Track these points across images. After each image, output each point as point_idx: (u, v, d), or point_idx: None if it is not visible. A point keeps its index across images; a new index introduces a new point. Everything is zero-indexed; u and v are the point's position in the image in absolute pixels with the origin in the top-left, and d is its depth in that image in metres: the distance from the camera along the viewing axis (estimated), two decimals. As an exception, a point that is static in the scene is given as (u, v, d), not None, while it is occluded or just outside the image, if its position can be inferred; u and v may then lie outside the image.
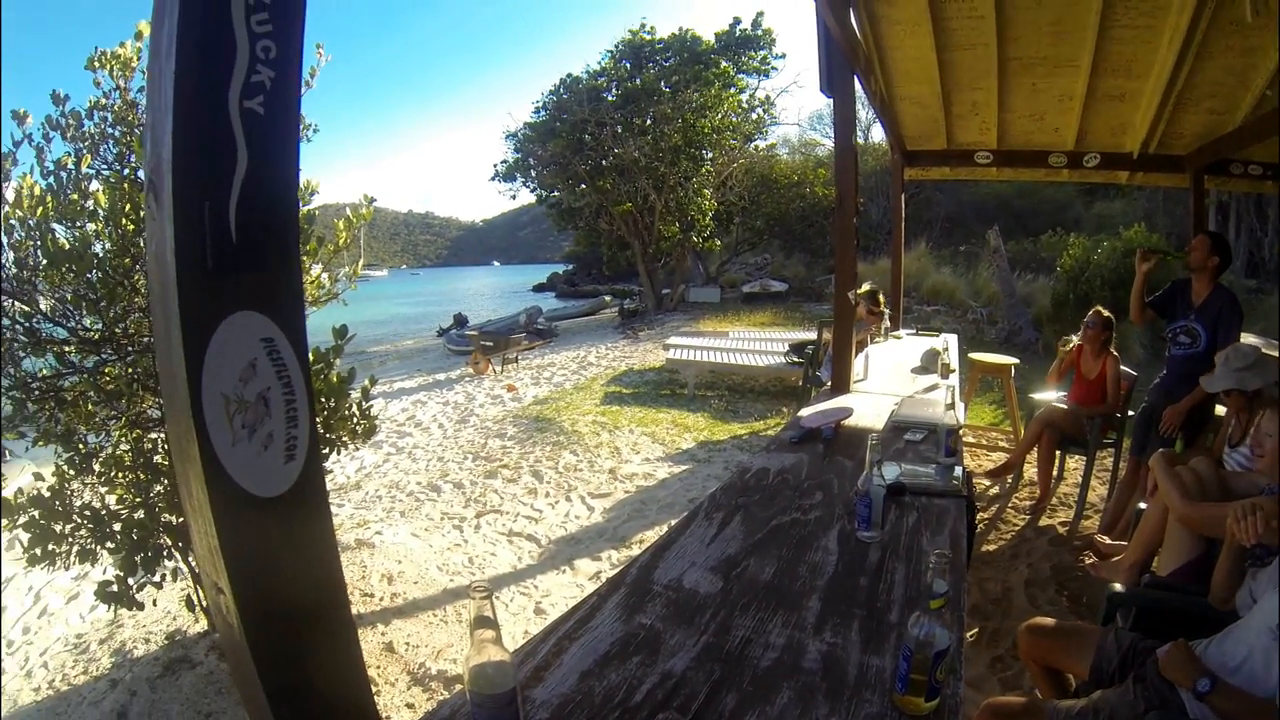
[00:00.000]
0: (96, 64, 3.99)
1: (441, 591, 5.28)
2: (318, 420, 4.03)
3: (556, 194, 27.52)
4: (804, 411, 4.71)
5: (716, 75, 24.87)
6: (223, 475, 1.22)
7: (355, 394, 4.54)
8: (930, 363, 6.19)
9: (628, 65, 26.45)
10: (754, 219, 29.12)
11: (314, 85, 4.38)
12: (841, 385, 5.51)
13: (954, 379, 5.85)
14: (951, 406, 3.71)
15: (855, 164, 5.49)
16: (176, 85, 1.15)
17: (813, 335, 10.10)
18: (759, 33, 26.94)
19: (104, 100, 4.05)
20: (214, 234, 1.19)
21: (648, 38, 26.70)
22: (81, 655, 5.53)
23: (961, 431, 4.50)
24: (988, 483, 6.59)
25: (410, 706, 4.02)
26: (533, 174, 27.42)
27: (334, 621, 1.44)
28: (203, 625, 4.98)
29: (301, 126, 4.46)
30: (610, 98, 25.58)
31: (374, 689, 4.08)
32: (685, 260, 27.79)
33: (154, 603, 5.20)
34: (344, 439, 4.46)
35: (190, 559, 4.36)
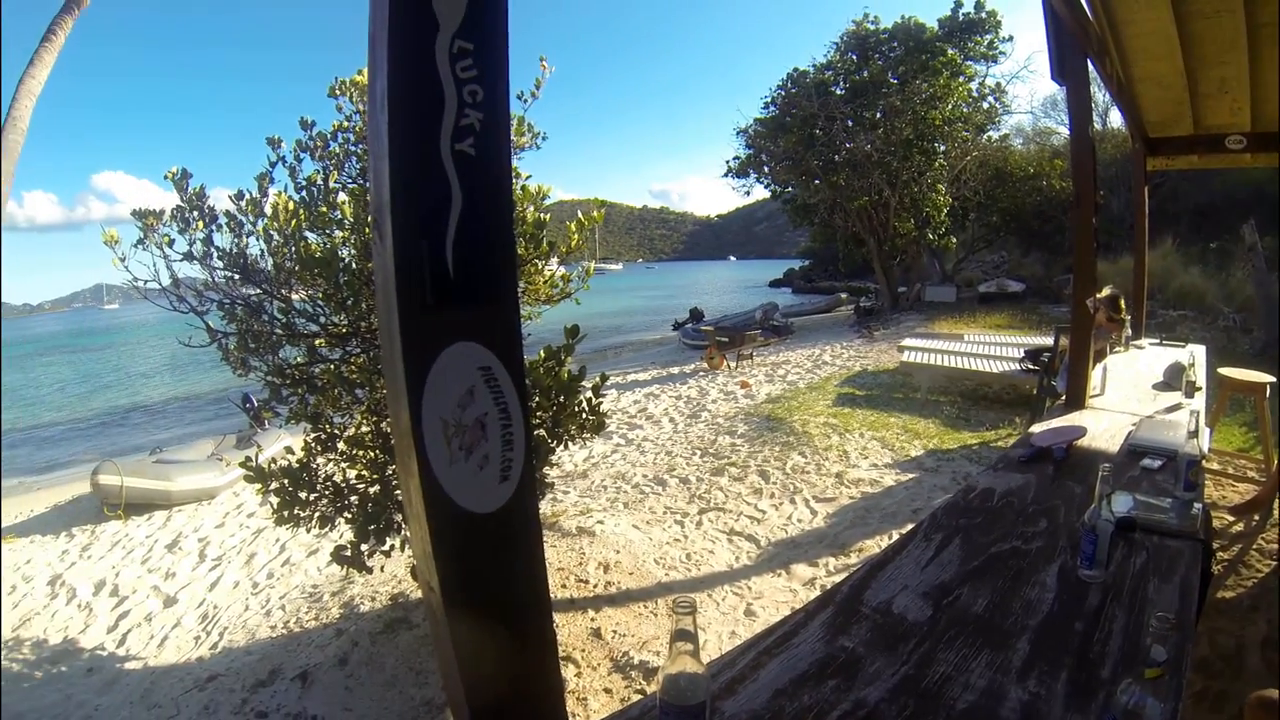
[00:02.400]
0: (337, 91, 4.26)
1: (655, 584, 5.25)
2: (547, 415, 4.13)
3: (791, 189, 26.69)
4: (1035, 428, 4.37)
5: (944, 64, 22.96)
6: (439, 491, 1.26)
7: (587, 389, 4.51)
8: (1174, 379, 5.43)
9: (854, 57, 24.87)
10: (989, 214, 26.43)
11: (539, 95, 4.47)
12: (1076, 400, 5.00)
13: (1200, 399, 5.13)
14: (1195, 434, 3.14)
15: (1093, 158, 5.00)
16: (391, 134, 1.19)
17: (1049, 341, 9.40)
18: (983, 16, 24.44)
19: (345, 123, 4.30)
20: (433, 270, 1.22)
21: (871, 28, 24.91)
22: (315, 603, 5.95)
23: (1206, 460, 3.95)
24: (1231, 519, 5.63)
25: (607, 691, 4.06)
26: (766, 170, 26.58)
27: (535, 632, 1.47)
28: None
29: (531, 135, 4.60)
30: (838, 91, 24.23)
31: (575, 671, 4.18)
32: (920, 258, 26.48)
33: (381, 568, 5.55)
34: (572, 434, 4.50)
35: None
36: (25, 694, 5.88)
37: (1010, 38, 24.96)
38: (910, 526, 3.19)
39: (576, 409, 4.41)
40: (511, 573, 1.39)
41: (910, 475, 7.12)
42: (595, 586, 5.22)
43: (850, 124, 23.33)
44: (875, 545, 5.40)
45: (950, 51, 23.34)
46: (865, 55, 24.65)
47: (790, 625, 2.07)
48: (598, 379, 4.63)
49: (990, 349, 11.64)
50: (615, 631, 4.60)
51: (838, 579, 3.85)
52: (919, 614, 2.13)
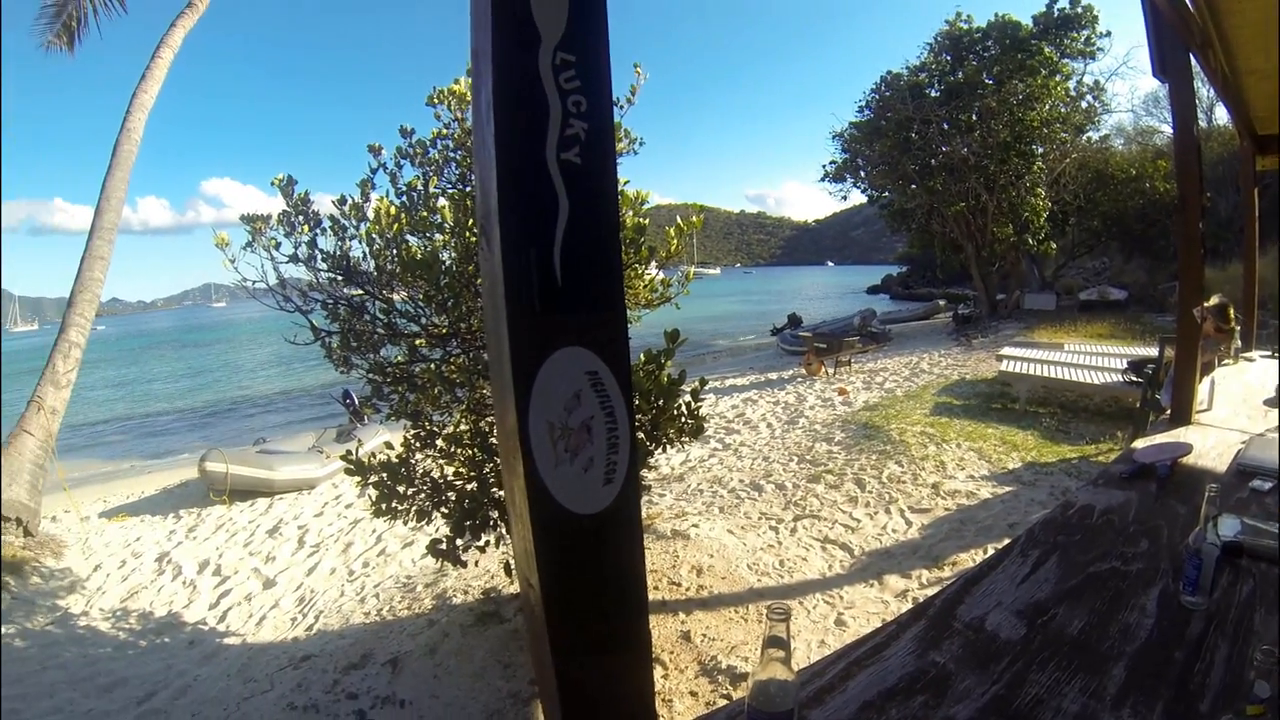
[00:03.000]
0: (435, 100, 4.34)
1: (747, 590, 5.19)
2: (646, 418, 4.13)
3: (887, 194, 26.23)
4: (1138, 443, 4.15)
5: (1040, 62, 22.12)
6: (543, 492, 1.27)
7: (686, 393, 4.47)
8: (1288, 394, 5.04)
9: (948, 58, 24.33)
10: (1090, 219, 25.35)
11: (635, 101, 4.49)
12: (1182, 415, 4.73)
13: None
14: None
15: (1198, 158, 4.70)
16: (498, 144, 1.20)
17: (1153, 352, 9.06)
18: (1079, 10, 23.42)
19: (444, 130, 4.37)
20: (540, 277, 1.23)
21: (965, 27, 24.25)
22: (408, 593, 6.07)
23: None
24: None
25: (693, 694, 4.03)
26: (862, 174, 26.17)
27: (630, 633, 1.47)
28: (516, 588, 5.25)
29: (629, 140, 4.61)
30: (933, 93, 23.75)
31: (663, 672, 4.17)
32: (1020, 264, 25.65)
33: (476, 563, 5.62)
34: (670, 437, 4.47)
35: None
36: (130, 661, 6.16)
37: (1108, 33, 23.98)
38: (1006, 541, 3.09)
39: (675, 413, 4.39)
40: (611, 574, 1.39)
41: (1007, 488, 6.91)
42: (687, 589, 5.20)
43: (946, 127, 22.78)
44: (970, 559, 5.26)
45: (1046, 49, 22.51)
46: (959, 56, 24.05)
47: (881, 637, 2.03)
48: (697, 383, 4.58)
49: (1091, 359, 11.27)
50: (705, 635, 4.57)
51: (930, 592, 3.77)
52: (1012, 632, 2.06)
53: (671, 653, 4.39)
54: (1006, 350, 12.55)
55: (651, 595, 5.18)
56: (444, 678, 4.54)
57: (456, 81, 4.33)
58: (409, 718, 4.27)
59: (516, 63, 1.20)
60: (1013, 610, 2.19)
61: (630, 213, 4.41)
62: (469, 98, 4.26)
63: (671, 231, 4.49)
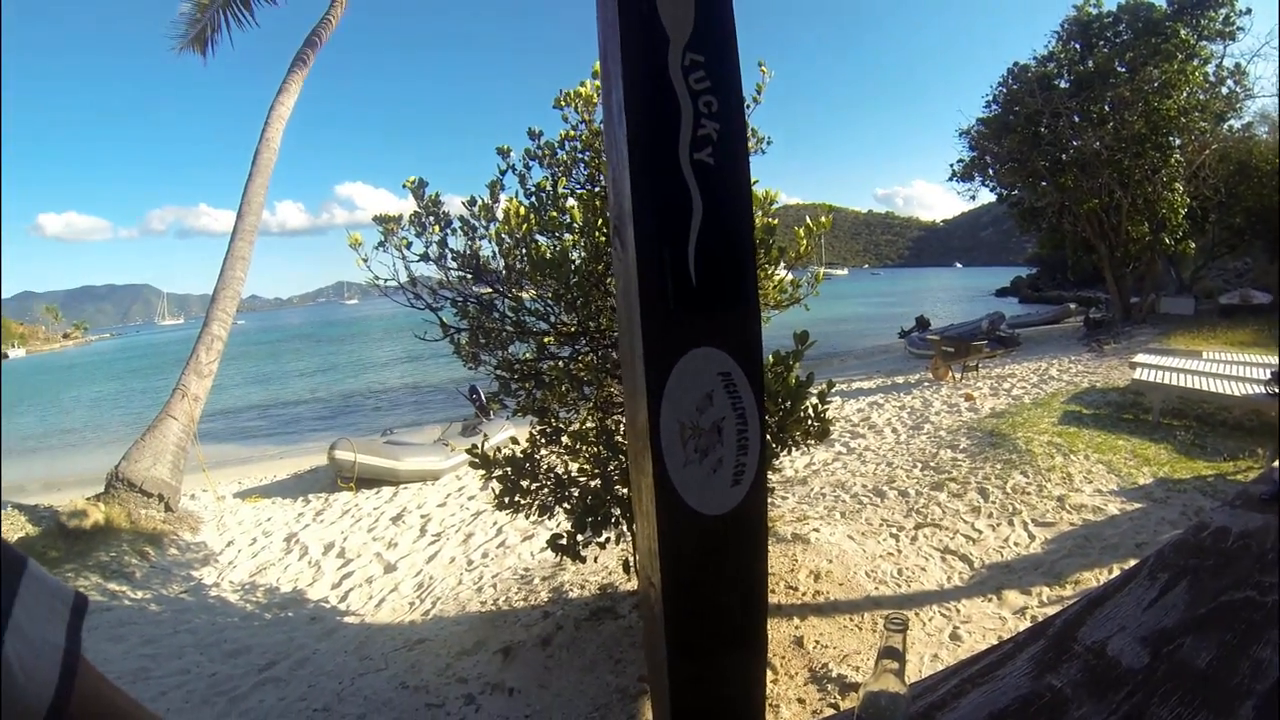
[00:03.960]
0: (563, 102, 4.36)
1: (864, 598, 5.07)
2: (773, 420, 4.08)
3: (1016, 192, 24.88)
4: None
5: (1176, 46, 19.83)
6: (671, 491, 1.25)
7: (813, 395, 4.37)
8: None
9: (1078, 47, 22.37)
10: (1232, 215, 23.02)
11: (762, 100, 4.42)
12: None
13: None
14: None
15: None
16: (630, 146, 1.19)
17: None
18: None
19: (572, 132, 4.40)
20: (674, 277, 1.22)
21: (1094, 12, 22.29)
22: (525, 585, 6.13)
23: None
24: None
25: (800, 701, 3.95)
26: (990, 172, 24.75)
27: (748, 636, 1.43)
28: (633, 585, 5.25)
29: (756, 140, 4.56)
30: (1062, 84, 21.99)
31: (773, 677, 4.10)
32: (1156, 265, 23.68)
33: (595, 559, 5.63)
34: (796, 439, 4.39)
35: (635, 528, 4.61)
36: (254, 631, 6.46)
37: (1248, 10, 21.72)
38: (1134, 562, 2.93)
39: (802, 415, 4.30)
40: (733, 575, 1.37)
41: (1136, 505, 6.49)
42: (804, 594, 5.10)
43: (1077, 119, 21.17)
44: (1094, 578, 4.99)
45: (1183, 31, 20.39)
46: (1089, 43, 22.25)
47: (997, 655, 1.94)
48: (824, 385, 4.47)
49: (1232, 369, 10.41)
50: (818, 642, 4.47)
51: (1050, 611, 3.61)
52: (1135, 660, 1.94)
53: (783, 658, 4.32)
54: (1140, 357, 11.76)
55: (769, 598, 5.08)
56: (554, 669, 4.58)
57: (583, 84, 4.36)
58: (516, 706, 4.32)
59: (646, 64, 1.19)
60: (1136, 636, 2.06)
61: (760, 213, 4.36)
62: (596, 100, 4.28)
63: (801, 232, 4.40)
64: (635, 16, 1.18)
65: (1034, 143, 21.78)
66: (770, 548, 5.87)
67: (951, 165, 25.81)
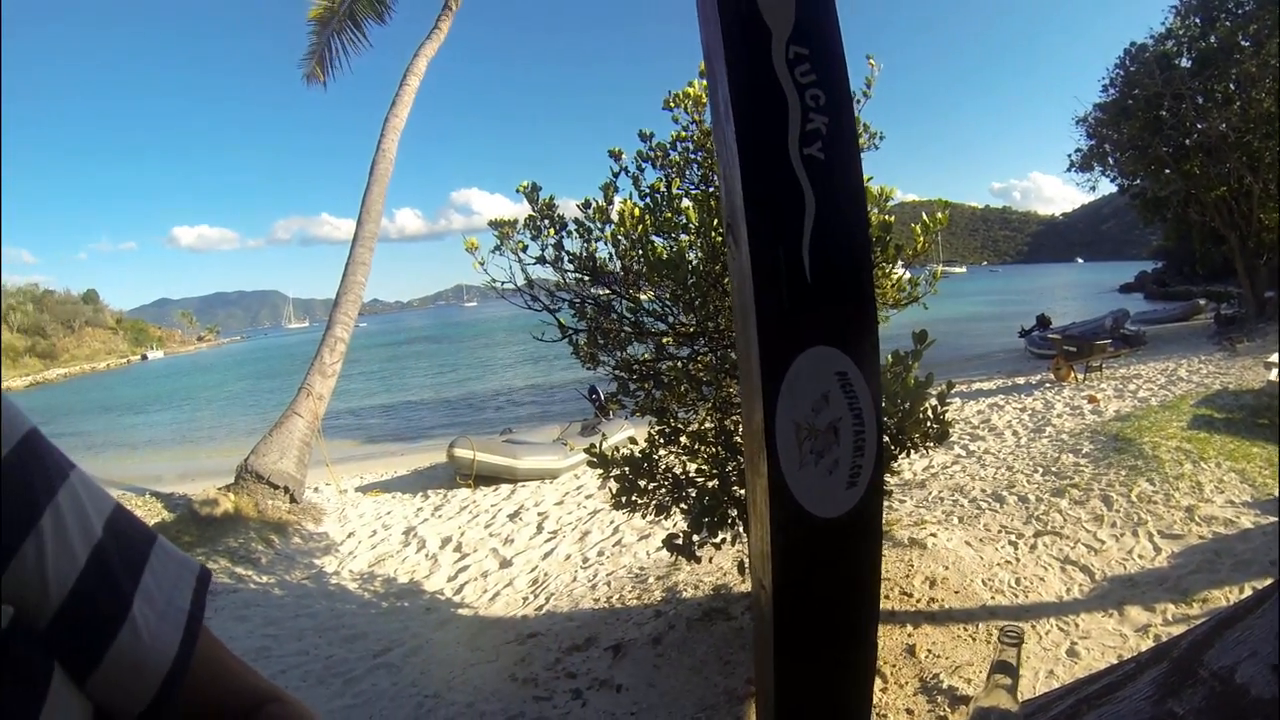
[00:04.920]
0: (672, 103, 4.35)
1: (979, 607, 4.87)
2: (891, 422, 4.00)
3: (1138, 182, 23.02)
4: None
5: None
6: (785, 493, 1.22)
7: (932, 396, 4.24)
8: None
9: (1198, 21, 20.16)
10: None
11: (872, 94, 4.30)
12: None
13: None
14: None
15: None
16: (740, 143, 1.18)
17: None
18: None
19: (683, 133, 4.38)
20: (789, 275, 1.19)
21: None
22: (639, 584, 6.15)
23: None
24: None
25: (909, 712, 3.84)
26: (1110, 161, 23.14)
27: (858, 643, 1.40)
28: (747, 587, 5.21)
29: (869, 135, 4.47)
30: (1183, 63, 20.03)
31: (881, 685, 4.00)
32: None
33: (710, 559, 5.61)
34: (915, 442, 4.26)
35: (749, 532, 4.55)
36: (371, 618, 6.72)
37: None
38: (1269, 581, 2.75)
39: (921, 416, 4.17)
40: (846, 580, 1.33)
41: (1272, 519, 5.97)
42: (918, 601, 4.94)
43: (1200, 101, 19.54)
44: (1223, 597, 4.66)
45: None
46: (1210, 16, 20.01)
47: (1116, 676, 1.83)
48: (943, 386, 4.32)
49: None
50: (930, 651, 4.32)
51: (1176, 630, 3.42)
52: (1265, 689, 1.80)
53: (894, 666, 4.20)
54: (1276, 357, 10.91)
55: (883, 604, 4.93)
56: (663, 668, 4.58)
57: (690, 84, 4.33)
58: (623, 703, 4.33)
59: (750, 60, 1.17)
60: (1268, 663, 1.91)
61: (875, 209, 4.26)
62: (704, 100, 4.26)
63: (917, 229, 4.26)
64: (735, 13, 1.17)
65: (1155, 128, 20.18)
66: (887, 552, 5.73)
67: (1069, 155, 24.37)
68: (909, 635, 4.50)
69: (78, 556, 0.63)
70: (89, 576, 0.63)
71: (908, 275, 4.44)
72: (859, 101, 4.28)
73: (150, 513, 10.20)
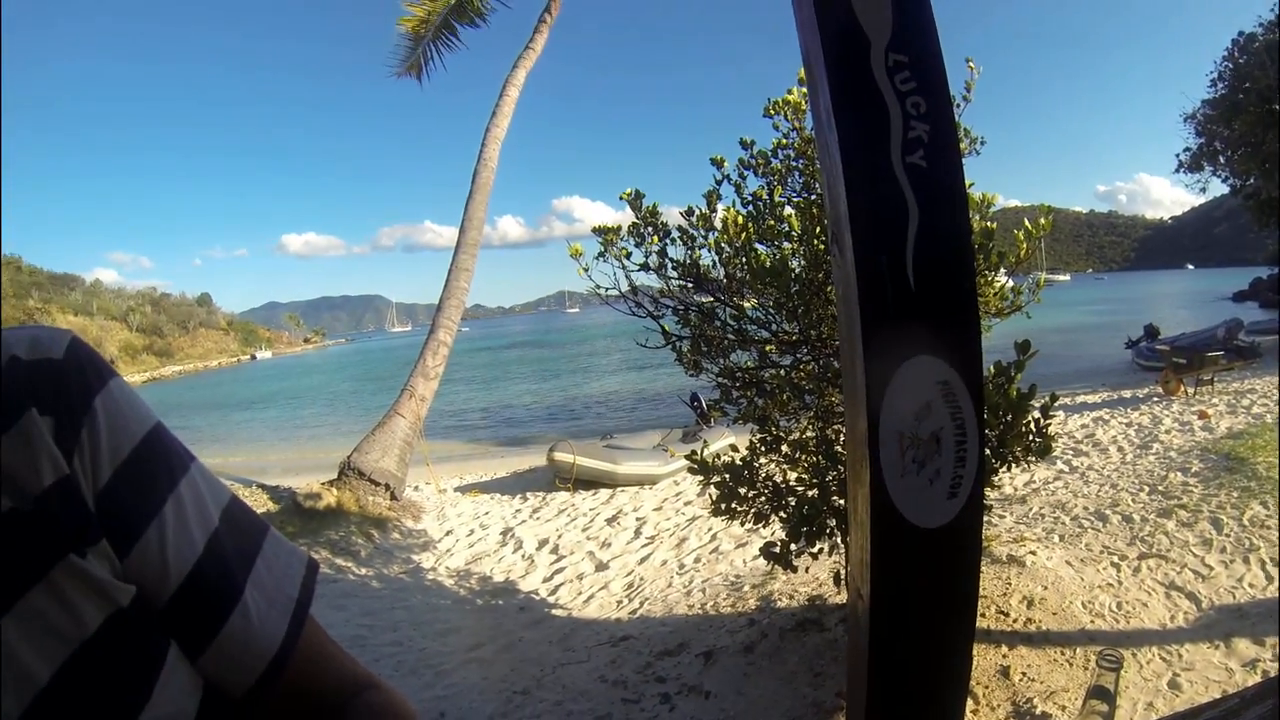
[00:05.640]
0: (772, 111, 4.34)
1: (1078, 630, 4.63)
2: (992, 434, 3.90)
3: (1252, 182, 21.51)
4: None
5: None
6: (887, 501, 1.23)
7: (1035, 409, 4.05)
8: None
9: None
10: None
11: (971, 99, 4.22)
12: None
13: None
14: None
15: None
16: (842, 151, 1.19)
17: None
18: None
19: (784, 140, 4.36)
20: (893, 283, 1.20)
21: None
22: (734, 592, 6.11)
23: None
24: None
25: (1002, 738, 3.69)
26: (1221, 160, 21.99)
27: (953, 658, 1.38)
28: (842, 599, 5.14)
29: (969, 140, 4.38)
30: None
31: (973, 706, 3.89)
32: None
33: (806, 569, 5.54)
34: (1016, 455, 4.11)
35: (848, 539, 4.50)
36: (466, 614, 6.88)
37: None
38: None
39: (1023, 429, 4.01)
40: (944, 592, 1.32)
41: None
42: (1015, 621, 4.75)
43: None
44: None
45: None
46: None
47: (1219, 711, 1.74)
48: (1046, 398, 4.16)
49: None
50: (1024, 674, 4.15)
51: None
52: None
53: (986, 687, 4.06)
54: None
55: (978, 622, 4.80)
56: (753, 676, 4.54)
57: (790, 91, 4.31)
58: (710, 710, 4.31)
59: (850, 68, 1.19)
60: None
61: (978, 216, 4.16)
62: (804, 107, 4.23)
63: (1020, 235, 4.14)
64: (834, 21, 1.19)
65: (1269, 123, 18.70)
66: (985, 568, 5.51)
67: (1177, 155, 23.39)
68: (1003, 656, 4.35)
69: (196, 543, 0.69)
70: (205, 562, 0.69)
71: (1010, 283, 4.30)
72: (959, 106, 4.17)
73: (257, 503, 10.58)
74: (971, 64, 4.19)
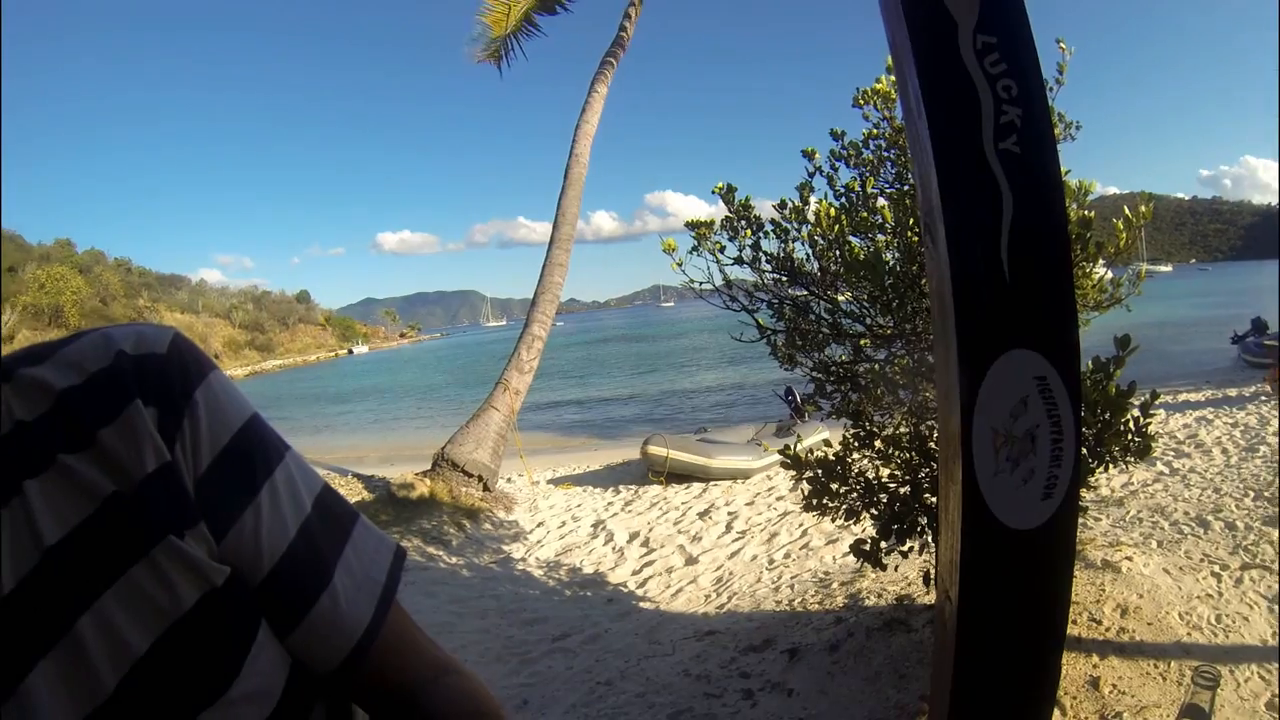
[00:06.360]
0: (861, 101, 4.25)
1: (1173, 643, 4.33)
2: (1090, 433, 3.76)
3: None
4: None
5: None
6: (979, 501, 1.19)
7: (1135, 407, 3.87)
8: None
9: None
10: None
11: (1065, 82, 4.03)
12: None
13: None
14: None
15: None
16: (933, 139, 1.16)
17: None
18: None
19: (874, 130, 4.28)
20: (988, 274, 1.16)
21: None
22: (822, 589, 6.04)
23: None
24: None
25: (1087, 754, 3.52)
26: None
27: (1042, 664, 1.33)
28: (930, 599, 5.04)
29: (1064, 125, 4.22)
30: None
31: (1059, 717, 3.75)
32: None
33: (895, 568, 5.43)
34: (1114, 455, 3.95)
35: (938, 539, 4.40)
36: (553, 605, 6.94)
37: None
38: None
39: (1121, 428, 3.85)
40: (1034, 597, 1.28)
41: None
42: (1107, 630, 4.48)
43: None
44: None
45: None
46: None
47: None
48: (1146, 396, 3.97)
49: None
50: (1114, 686, 3.90)
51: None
52: None
53: (1074, 697, 3.87)
54: None
55: (1069, 628, 4.63)
56: (837, 675, 4.47)
57: (879, 80, 4.21)
58: (792, 708, 4.26)
59: (937, 52, 1.15)
60: None
61: (1074, 205, 4.00)
62: (894, 96, 4.14)
63: (1119, 224, 3.96)
64: (919, 4, 1.15)
65: None
66: (1078, 573, 5.25)
67: None
68: (1094, 666, 4.14)
69: (289, 528, 0.72)
70: (297, 546, 0.72)
71: (1109, 275, 4.13)
72: (1051, 89, 3.99)
73: (351, 492, 10.90)
74: (1063, 44, 4.03)
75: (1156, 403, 3.96)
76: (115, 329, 0.70)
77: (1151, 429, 3.88)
